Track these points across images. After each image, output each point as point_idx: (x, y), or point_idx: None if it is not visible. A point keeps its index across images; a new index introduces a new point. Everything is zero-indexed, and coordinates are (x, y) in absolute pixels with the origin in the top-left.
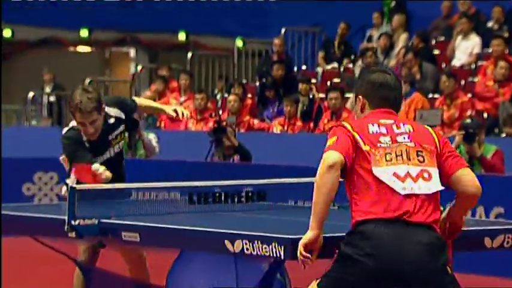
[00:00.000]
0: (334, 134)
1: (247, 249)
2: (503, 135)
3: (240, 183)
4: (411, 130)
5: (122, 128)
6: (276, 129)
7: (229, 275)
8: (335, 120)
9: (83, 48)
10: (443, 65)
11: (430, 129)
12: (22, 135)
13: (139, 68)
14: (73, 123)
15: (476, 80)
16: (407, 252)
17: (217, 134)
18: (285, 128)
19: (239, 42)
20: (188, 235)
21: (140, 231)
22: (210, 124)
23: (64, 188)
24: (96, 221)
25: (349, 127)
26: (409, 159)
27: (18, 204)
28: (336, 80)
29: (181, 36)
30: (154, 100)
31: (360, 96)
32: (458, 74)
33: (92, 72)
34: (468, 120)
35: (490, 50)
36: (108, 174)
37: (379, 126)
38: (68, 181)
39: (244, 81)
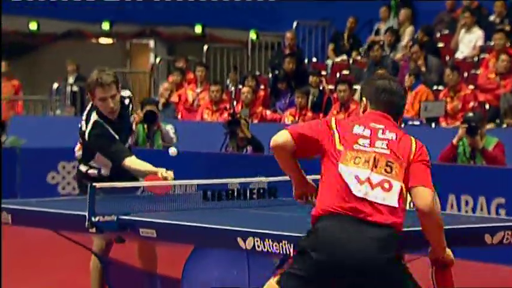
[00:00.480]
0: (311, 121)
1: (258, 246)
2: (504, 125)
3: (252, 181)
4: (394, 138)
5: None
6: (288, 120)
7: (242, 269)
8: (343, 111)
9: (104, 40)
10: (447, 58)
11: (413, 143)
12: (47, 124)
13: (158, 60)
14: (94, 117)
15: (478, 72)
16: (356, 247)
17: (231, 126)
18: (296, 118)
19: (253, 35)
20: (202, 232)
21: (157, 228)
22: (225, 115)
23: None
24: (115, 218)
25: (333, 124)
26: (375, 167)
27: (43, 199)
28: (345, 71)
29: (198, 29)
30: (171, 92)
31: (364, 99)
32: (462, 66)
33: (113, 64)
34: (470, 114)
35: (492, 43)
36: (171, 174)
37: (365, 128)
38: None
39: (257, 73)
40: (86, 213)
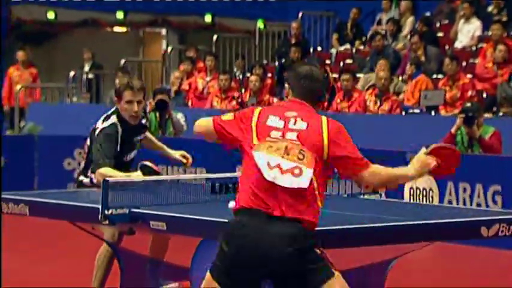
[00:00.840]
0: (239, 114)
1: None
2: (501, 114)
3: None
4: (304, 128)
5: (143, 135)
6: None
7: None
8: (347, 100)
9: (118, 29)
10: (447, 47)
11: (325, 130)
12: (64, 111)
13: (169, 49)
14: (113, 119)
15: (477, 61)
16: (264, 242)
17: None
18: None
19: (260, 24)
20: (210, 226)
21: (167, 221)
22: (233, 103)
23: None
24: (127, 210)
25: (255, 118)
26: (288, 154)
27: (58, 191)
28: (349, 60)
29: (208, 18)
30: (182, 80)
31: (287, 85)
32: (460, 55)
33: (127, 52)
34: (468, 104)
35: (490, 33)
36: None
37: (279, 119)
38: None
39: (264, 61)
40: (100, 206)
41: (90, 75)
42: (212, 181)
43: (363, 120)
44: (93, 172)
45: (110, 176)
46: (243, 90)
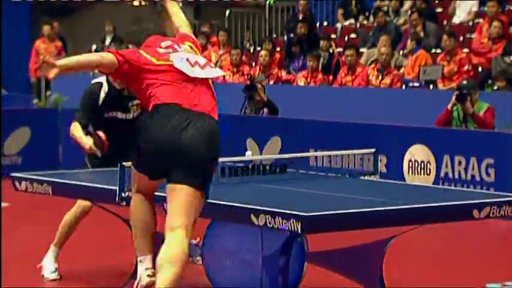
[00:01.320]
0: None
1: (269, 222)
2: (495, 87)
3: (264, 158)
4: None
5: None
6: (300, 81)
7: (255, 237)
8: (351, 74)
9: (138, 3)
10: (445, 22)
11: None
12: (87, 83)
13: None
14: (102, 79)
15: (473, 36)
16: (188, 135)
17: (249, 90)
18: (308, 80)
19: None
20: (220, 209)
21: None
22: (245, 76)
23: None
24: None
25: (142, 52)
26: (196, 54)
27: (81, 171)
28: (353, 35)
29: None
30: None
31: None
32: (458, 30)
33: (146, 26)
34: (464, 82)
35: (486, 9)
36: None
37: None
38: None
39: (274, 35)
40: (117, 188)
41: (112, 48)
42: (222, 165)
43: (366, 94)
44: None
45: (72, 132)
46: (253, 64)
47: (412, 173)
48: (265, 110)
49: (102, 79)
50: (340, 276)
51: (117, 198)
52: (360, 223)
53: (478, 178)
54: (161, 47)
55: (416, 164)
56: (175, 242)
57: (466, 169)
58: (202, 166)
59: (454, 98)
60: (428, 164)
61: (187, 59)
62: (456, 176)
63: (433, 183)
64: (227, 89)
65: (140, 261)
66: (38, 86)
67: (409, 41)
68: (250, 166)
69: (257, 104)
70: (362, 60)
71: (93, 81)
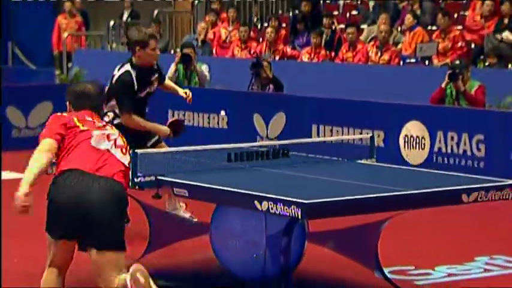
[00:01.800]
0: (48, 123)
1: (272, 208)
2: (487, 63)
3: (267, 144)
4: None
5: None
6: (304, 57)
7: (259, 220)
8: (352, 50)
9: None
10: (440, 0)
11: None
12: (105, 56)
13: (196, 1)
14: (127, 67)
15: (467, 13)
16: (92, 194)
17: (255, 68)
18: (312, 56)
19: None
20: (225, 195)
21: (188, 188)
22: (252, 52)
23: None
24: (154, 178)
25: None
26: (116, 137)
27: None
28: (354, 12)
29: None
30: (207, 29)
31: (68, 103)
32: (452, 8)
33: (160, 4)
34: (457, 62)
35: None
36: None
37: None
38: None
39: (280, 11)
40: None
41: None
42: (228, 151)
43: (365, 70)
44: (117, 116)
45: (138, 123)
46: (260, 40)
47: (407, 148)
48: (271, 86)
49: (127, 66)
50: (338, 255)
51: (130, 183)
52: (355, 209)
53: (469, 153)
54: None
55: (411, 139)
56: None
57: (458, 144)
58: (114, 224)
59: (447, 77)
60: (422, 140)
61: (107, 135)
62: (449, 151)
63: (427, 158)
64: (236, 65)
65: None
66: (59, 59)
67: (406, 18)
68: (254, 152)
69: (263, 81)
70: (362, 37)
71: (119, 71)
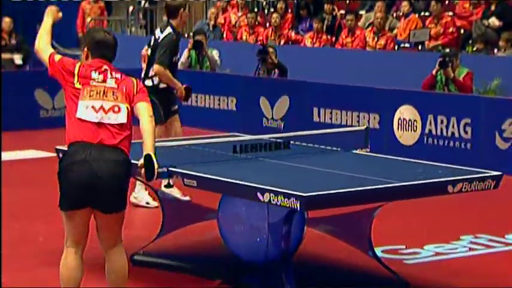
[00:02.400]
0: (67, 59)
1: (273, 200)
2: (475, 49)
3: (270, 136)
4: (120, 77)
5: None
6: (308, 42)
7: (262, 207)
8: (351, 36)
9: None
10: None
11: (135, 82)
12: (125, 40)
13: None
14: (169, 29)
15: (457, 1)
16: (100, 167)
17: (262, 54)
18: (314, 40)
19: None
20: (230, 186)
21: (196, 179)
22: (259, 38)
23: None
24: (166, 169)
25: (76, 69)
26: (106, 97)
27: None
28: None
29: None
30: (217, 15)
31: (86, 48)
32: None
33: None
34: (447, 50)
35: None
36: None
37: (99, 73)
38: None
39: None
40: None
41: (147, 5)
42: (234, 143)
43: (362, 55)
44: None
45: (169, 77)
46: (267, 25)
47: (401, 130)
48: (277, 71)
49: (169, 29)
50: (334, 238)
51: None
52: (349, 201)
53: (457, 135)
54: (93, 76)
55: (404, 122)
56: (120, 257)
57: (447, 127)
58: (118, 192)
59: (437, 64)
60: (415, 122)
61: (93, 106)
62: (438, 133)
63: (419, 139)
64: (244, 49)
65: None
66: (82, 41)
67: (403, 5)
68: (258, 143)
69: (269, 66)
70: (360, 23)
71: (162, 33)
